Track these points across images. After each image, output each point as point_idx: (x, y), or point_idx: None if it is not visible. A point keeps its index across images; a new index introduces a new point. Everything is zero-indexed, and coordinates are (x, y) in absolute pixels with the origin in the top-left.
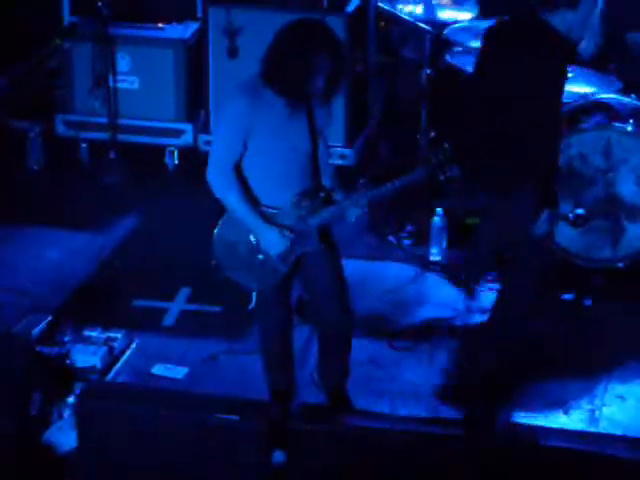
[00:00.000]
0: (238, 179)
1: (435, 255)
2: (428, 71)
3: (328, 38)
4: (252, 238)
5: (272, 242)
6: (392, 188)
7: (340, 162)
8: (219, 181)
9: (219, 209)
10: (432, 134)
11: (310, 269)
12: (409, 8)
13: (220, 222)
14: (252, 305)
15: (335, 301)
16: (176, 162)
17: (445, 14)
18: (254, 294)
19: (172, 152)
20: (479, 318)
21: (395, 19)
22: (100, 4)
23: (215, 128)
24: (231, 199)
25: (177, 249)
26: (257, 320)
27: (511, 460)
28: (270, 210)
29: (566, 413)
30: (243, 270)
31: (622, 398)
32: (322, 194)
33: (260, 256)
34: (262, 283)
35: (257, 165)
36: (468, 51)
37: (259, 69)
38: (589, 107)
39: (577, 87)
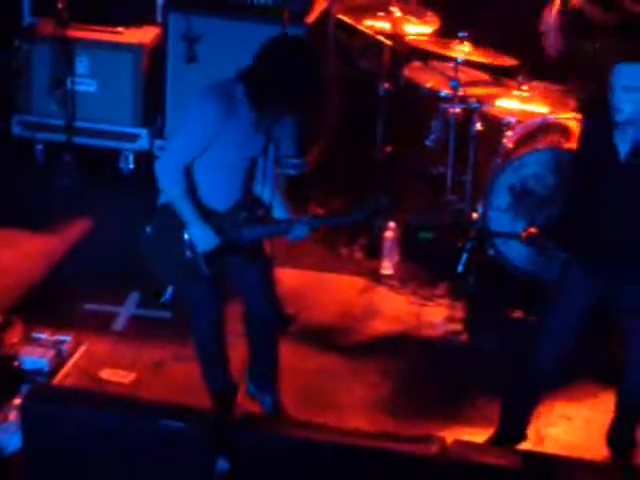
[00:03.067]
0: (185, 177)
1: (387, 268)
2: (386, 85)
3: (313, 59)
4: (185, 235)
5: (204, 238)
6: (331, 223)
7: (292, 172)
8: (169, 174)
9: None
10: (388, 149)
11: (239, 273)
12: (374, 21)
13: (156, 216)
14: (165, 298)
15: (266, 300)
16: (131, 166)
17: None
18: (169, 288)
19: (127, 156)
20: (428, 332)
21: (355, 31)
22: (60, 6)
23: (180, 123)
24: (175, 192)
25: (129, 253)
26: (191, 320)
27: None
28: (209, 211)
29: None
30: (169, 266)
31: (568, 419)
32: (260, 210)
33: (188, 254)
34: (185, 281)
35: (206, 169)
36: (427, 66)
37: (242, 83)
38: (546, 127)
39: (535, 107)
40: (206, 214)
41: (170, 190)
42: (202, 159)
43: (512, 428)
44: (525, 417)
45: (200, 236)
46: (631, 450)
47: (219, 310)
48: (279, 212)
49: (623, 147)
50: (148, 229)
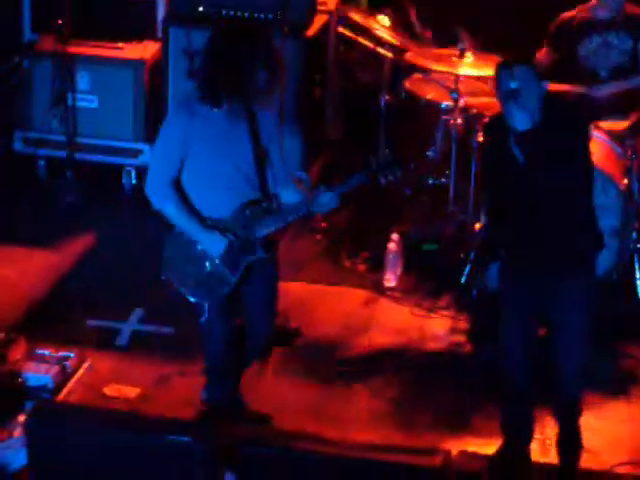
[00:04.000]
0: (176, 191)
1: (390, 281)
2: (387, 97)
3: (257, 32)
4: (199, 247)
5: (214, 242)
6: (349, 185)
7: None
8: (156, 193)
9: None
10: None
11: (250, 280)
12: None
13: (166, 242)
14: (203, 318)
15: (263, 313)
16: (133, 182)
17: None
18: (206, 306)
19: (129, 172)
20: (432, 345)
21: (355, 44)
22: (60, 22)
23: (154, 144)
24: (169, 209)
25: (132, 269)
26: (205, 334)
27: None
28: (213, 221)
29: None
30: (193, 285)
31: None
32: (264, 203)
33: (207, 265)
34: (212, 295)
35: (201, 182)
36: (428, 78)
37: (196, 82)
38: None
39: None
40: (212, 223)
41: (163, 207)
42: (193, 172)
43: (516, 442)
44: (526, 432)
45: (209, 242)
46: (579, 452)
47: (235, 328)
48: (292, 198)
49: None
50: (164, 258)
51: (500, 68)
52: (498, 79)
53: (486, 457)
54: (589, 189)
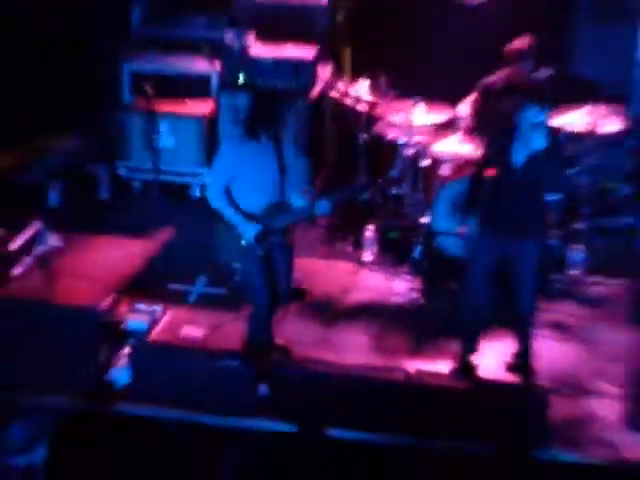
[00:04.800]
0: (226, 195)
1: (368, 257)
2: (364, 136)
3: (280, 95)
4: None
5: (248, 229)
6: (338, 197)
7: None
8: (213, 197)
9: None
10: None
11: (275, 252)
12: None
13: (220, 232)
14: (236, 279)
15: (285, 276)
16: (198, 194)
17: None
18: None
19: (195, 187)
20: (397, 299)
21: (342, 101)
22: (147, 88)
23: (212, 163)
24: (220, 205)
25: (197, 251)
26: (249, 290)
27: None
28: (249, 214)
29: None
30: (237, 254)
31: (496, 354)
32: (283, 205)
33: (243, 242)
34: (246, 263)
35: (242, 187)
36: (391, 123)
37: (241, 126)
38: (470, 161)
39: (462, 148)
40: (248, 216)
41: (217, 205)
42: (239, 183)
43: (467, 359)
44: (473, 349)
45: (245, 228)
46: (531, 373)
47: (269, 285)
48: (301, 203)
49: (517, 159)
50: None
51: (530, 102)
52: (523, 110)
53: (441, 374)
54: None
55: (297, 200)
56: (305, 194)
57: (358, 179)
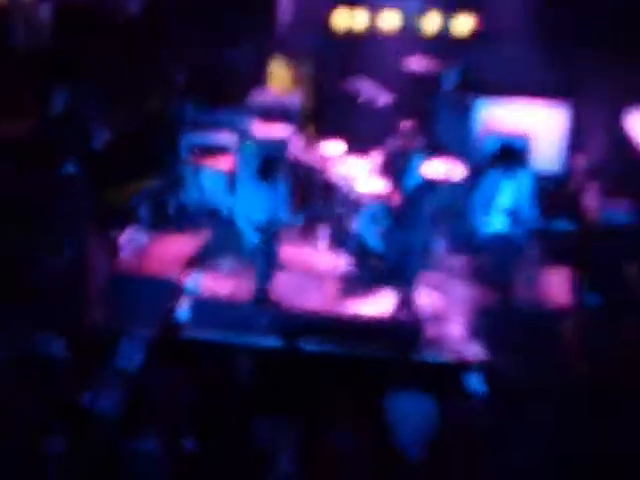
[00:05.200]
0: (245, 215)
1: (323, 246)
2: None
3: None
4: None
5: (252, 237)
6: (306, 215)
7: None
8: (237, 217)
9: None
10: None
11: (271, 243)
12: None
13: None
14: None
15: (275, 259)
16: (226, 213)
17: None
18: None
19: (224, 209)
20: (341, 270)
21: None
22: (197, 151)
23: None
24: (240, 222)
25: (226, 244)
26: (257, 268)
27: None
28: (260, 223)
29: None
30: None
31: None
32: (275, 219)
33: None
34: (255, 250)
35: (255, 208)
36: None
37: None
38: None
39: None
40: (256, 226)
41: (239, 220)
42: (252, 207)
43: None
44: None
45: (251, 236)
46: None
47: (267, 259)
48: (285, 218)
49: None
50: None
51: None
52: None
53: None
54: None
55: (283, 215)
56: (287, 212)
57: (316, 205)
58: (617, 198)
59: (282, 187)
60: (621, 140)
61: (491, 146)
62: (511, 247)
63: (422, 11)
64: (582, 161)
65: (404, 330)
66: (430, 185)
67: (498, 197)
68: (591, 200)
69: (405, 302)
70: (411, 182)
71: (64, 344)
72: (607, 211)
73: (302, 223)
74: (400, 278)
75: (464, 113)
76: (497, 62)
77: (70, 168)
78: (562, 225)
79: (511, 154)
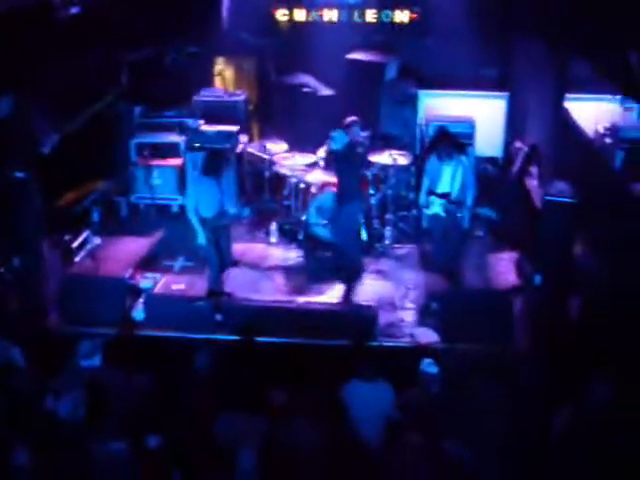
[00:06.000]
0: (195, 211)
1: (273, 240)
2: (267, 172)
3: (224, 154)
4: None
5: (200, 234)
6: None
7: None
8: (189, 213)
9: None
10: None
11: (221, 238)
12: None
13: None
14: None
15: (227, 250)
16: (176, 210)
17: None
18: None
19: (174, 206)
20: (290, 262)
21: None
22: (146, 152)
23: (186, 192)
24: (191, 217)
25: (178, 243)
26: (208, 263)
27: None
28: (207, 218)
29: None
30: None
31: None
32: (223, 212)
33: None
34: (206, 245)
35: (202, 203)
36: (283, 165)
37: (200, 169)
38: (326, 184)
39: (320, 177)
40: (204, 220)
41: (189, 216)
42: (200, 201)
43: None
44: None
45: (199, 233)
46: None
47: (220, 253)
48: (233, 210)
49: None
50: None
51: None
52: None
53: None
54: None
55: (231, 209)
56: (235, 206)
57: (263, 197)
58: (556, 180)
59: (229, 181)
60: (559, 126)
61: (434, 133)
62: (456, 232)
63: (362, 6)
64: (522, 146)
65: (359, 318)
66: (355, 145)
67: (440, 182)
68: (532, 182)
69: (350, 290)
70: (337, 145)
71: (20, 352)
72: (547, 192)
73: (251, 216)
74: (346, 266)
75: (407, 102)
76: (437, 54)
77: (19, 173)
78: (502, 208)
79: (450, 138)
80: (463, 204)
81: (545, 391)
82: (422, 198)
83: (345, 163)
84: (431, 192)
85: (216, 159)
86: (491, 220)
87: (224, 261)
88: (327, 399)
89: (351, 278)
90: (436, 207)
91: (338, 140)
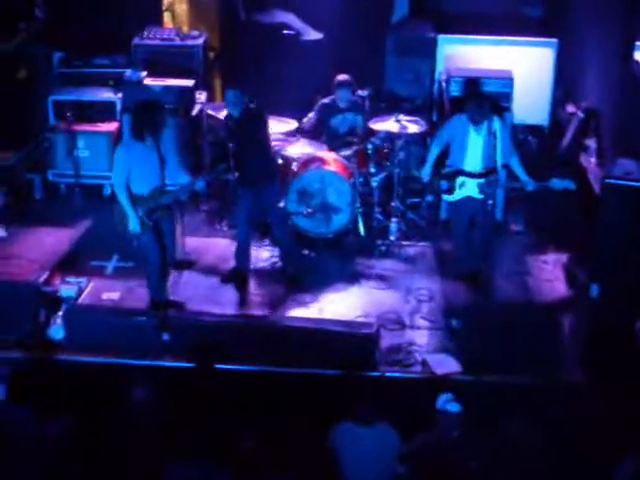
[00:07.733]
0: (126, 188)
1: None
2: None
3: (161, 108)
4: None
5: (133, 220)
6: (208, 179)
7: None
8: (117, 190)
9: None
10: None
11: (162, 224)
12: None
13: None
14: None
15: (171, 242)
16: (109, 192)
17: None
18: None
19: (107, 187)
20: (263, 264)
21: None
22: (69, 114)
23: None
24: (120, 195)
25: (109, 235)
26: (146, 256)
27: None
28: (141, 195)
29: None
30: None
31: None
32: (164, 187)
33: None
34: (142, 232)
35: (135, 176)
36: None
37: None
38: (312, 159)
39: (306, 149)
40: (138, 199)
41: (119, 196)
42: (133, 174)
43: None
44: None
45: (133, 218)
46: None
47: (163, 250)
48: (183, 180)
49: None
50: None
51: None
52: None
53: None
54: None
55: (181, 179)
56: (186, 174)
57: (220, 165)
58: (621, 158)
59: (172, 146)
60: (627, 84)
61: (456, 90)
62: (487, 225)
63: None
64: (575, 111)
65: (354, 339)
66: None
67: (467, 155)
68: (588, 160)
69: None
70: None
71: None
72: (609, 174)
73: (204, 191)
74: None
75: (421, 50)
76: None
77: None
78: (558, 185)
79: (483, 95)
80: (497, 183)
81: (603, 439)
82: (426, 170)
83: (243, 135)
84: (458, 171)
85: (150, 114)
86: (569, 193)
87: (166, 252)
88: (310, 447)
89: (295, 283)
90: (460, 188)
91: (237, 104)
